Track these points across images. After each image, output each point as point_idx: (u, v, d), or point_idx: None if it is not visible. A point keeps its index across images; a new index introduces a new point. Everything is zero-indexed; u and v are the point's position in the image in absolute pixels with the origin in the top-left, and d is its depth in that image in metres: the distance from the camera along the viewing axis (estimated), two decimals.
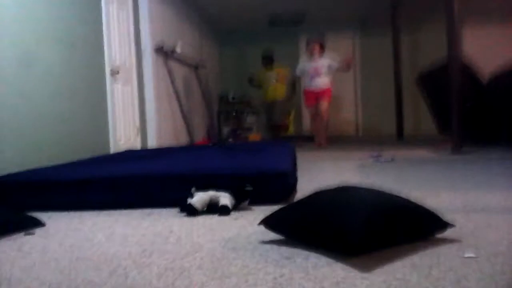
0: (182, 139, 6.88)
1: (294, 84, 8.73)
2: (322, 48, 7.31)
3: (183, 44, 7.17)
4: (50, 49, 3.81)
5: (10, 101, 3.26)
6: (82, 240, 1.96)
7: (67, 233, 2.10)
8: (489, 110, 5.93)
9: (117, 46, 5.13)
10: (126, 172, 2.80)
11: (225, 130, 9.72)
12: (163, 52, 6.17)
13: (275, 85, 8.62)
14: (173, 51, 6.44)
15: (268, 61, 8.79)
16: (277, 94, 8.66)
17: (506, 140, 5.76)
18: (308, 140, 9.05)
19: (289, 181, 2.78)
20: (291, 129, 9.91)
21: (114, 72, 4.94)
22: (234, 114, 9.93)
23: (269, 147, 4.29)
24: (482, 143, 6.09)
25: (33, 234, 2.11)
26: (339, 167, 4.47)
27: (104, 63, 4.79)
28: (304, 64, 7.41)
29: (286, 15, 9.70)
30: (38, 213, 2.43)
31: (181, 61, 7.14)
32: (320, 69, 7.13)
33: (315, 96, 7.19)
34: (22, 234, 2.10)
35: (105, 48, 4.81)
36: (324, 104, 7.12)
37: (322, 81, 7.14)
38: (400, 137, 8.52)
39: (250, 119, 9.89)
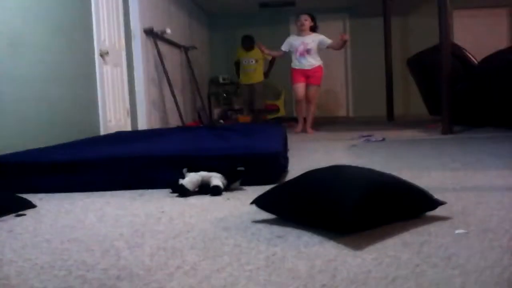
0: (173, 121, 6.85)
1: (271, 63, 8.29)
2: (313, 22, 6.47)
3: (173, 26, 7.11)
4: (38, 31, 3.76)
5: None
6: (73, 221, 1.95)
7: (58, 215, 2.09)
8: (479, 92, 5.96)
9: (106, 27, 5.07)
10: (117, 154, 2.78)
11: (216, 112, 9.70)
12: (153, 34, 6.11)
13: (255, 66, 8.26)
14: (162, 33, 6.38)
15: (248, 41, 8.35)
16: (256, 77, 8.32)
17: (496, 121, 5.79)
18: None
19: (280, 162, 2.79)
20: (282, 111, 9.92)
21: (103, 54, 4.89)
22: (224, 96, 9.91)
23: (260, 129, 4.29)
24: (473, 124, 6.13)
25: (24, 215, 2.10)
26: (330, 147, 4.48)
27: (93, 45, 4.73)
28: (293, 38, 6.55)
29: (276, 1, 9.62)
30: (28, 195, 2.41)
31: (171, 43, 7.08)
32: (310, 45, 6.34)
33: (304, 74, 6.41)
34: (13, 215, 2.09)
35: (94, 29, 4.75)
36: (312, 89, 6.41)
37: (312, 59, 6.37)
38: (391, 119, 8.56)
39: (240, 101, 9.88)
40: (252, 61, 8.23)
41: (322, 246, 1.47)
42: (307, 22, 6.39)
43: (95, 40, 4.76)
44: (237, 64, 8.52)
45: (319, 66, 6.42)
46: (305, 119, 6.55)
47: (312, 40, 6.36)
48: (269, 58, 8.04)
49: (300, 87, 6.42)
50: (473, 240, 1.47)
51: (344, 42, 6.39)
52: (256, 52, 8.16)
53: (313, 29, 6.48)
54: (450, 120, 5.38)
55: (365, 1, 9.75)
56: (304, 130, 6.48)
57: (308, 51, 6.34)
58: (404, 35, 10.35)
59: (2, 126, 3.23)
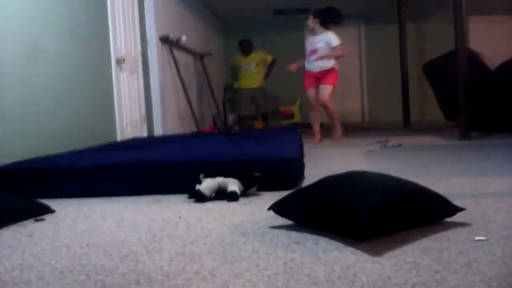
0: (188, 127, 6.88)
1: (272, 66, 8.15)
2: (319, 18, 5.83)
3: (189, 33, 7.15)
4: (56, 39, 3.81)
5: (16, 91, 3.26)
6: (92, 226, 1.97)
7: (76, 220, 2.11)
8: (497, 97, 5.90)
9: (122, 35, 5.12)
10: (134, 159, 2.80)
11: (231, 118, 9.72)
12: (169, 42, 6.15)
13: (255, 70, 8.08)
14: (178, 40, 6.42)
15: (245, 46, 8.18)
16: (257, 80, 8.12)
17: None
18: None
19: (297, 167, 2.79)
20: (298, 117, 9.92)
21: (120, 61, 4.93)
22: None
23: (276, 134, 4.29)
24: (490, 129, 6.07)
25: (43, 220, 2.12)
26: (346, 153, 4.46)
27: (110, 52, 4.78)
28: (307, 38, 6.11)
29: (290, 9, 9.63)
30: (47, 200, 2.44)
31: (186, 50, 7.12)
32: (317, 45, 5.80)
33: (314, 77, 5.87)
34: (32, 220, 2.11)
35: (111, 37, 4.80)
36: (323, 90, 5.77)
37: (321, 61, 5.79)
38: (407, 124, 8.50)
39: (263, 110, 9.90)
40: (252, 65, 8.10)
41: (340, 252, 1.46)
42: (309, 21, 5.92)
43: (111, 48, 4.81)
44: (233, 70, 8.50)
45: (331, 69, 5.80)
46: (322, 126, 6.16)
47: (321, 39, 5.81)
48: (269, 61, 8.10)
49: (310, 93, 5.96)
50: (494, 246, 1.46)
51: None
52: (255, 56, 8.12)
53: (325, 24, 5.85)
54: (468, 126, 5.34)
55: (380, 8, 9.71)
56: (318, 139, 5.91)
57: (315, 52, 5.82)
58: (419, 41, 10.30)
59: (21, 131, 3.28)
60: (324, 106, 5.84)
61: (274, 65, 8.15)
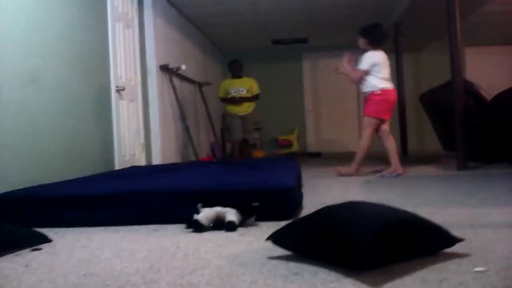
0: (187, 156, 6.89)
1: (253, 99, 7.41)
2: (366, 37, 5.12)
3: (188, 62, 7.22)
4: (56, 67, 3.84)
5: (16, 118, 3.28)
6: (89, 256, 1.96)
7: (74, 249, 2.10)
8: (493, 128, 5.93)
9: (123, 64, 5.17)
10: (132, 188, 2.80)
11: (229, 146, 9.74)
12: (168, 70, 6.21)
13: (246, 95, 7.33)
14: (178, 69, 6.48)
15: (237, 67, 7.41)
16: (249, 107, 7.42)
17: (511, 157, 5.74)
18: (312, 156, 9.08)
19: (295, 197, 2.78)
20: (296, 146, 9.95)
21: (120, 89, 4.97)
22: None
23: (274, 163, 4.30)
24: (487, 160, 6.08)
25: (40, 249, 2.10)
26: (344, 183, 4.46)
27: (109, 81, 4.82)
28: None
29: (288, 39, 9.77)
30: (44, 229, 2.42)
31: (185, 79, 7.19)
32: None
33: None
34: (29, 250, 2.10)
35: (111, 66, 4.84)
36: (364, 120, 5.19)
37: (362, 84, 5.14)
38: (405, 154, 8.52)
39: (253, 136, 9.95)
40: (243, 91, 7.34)
41: (339, 283, 1.45)
42: (359, 42, 5.19)
43: (111, 76, 4.85)
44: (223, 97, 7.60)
45: (371, 94, 5.05)
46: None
47: (360, 59, 5.16)
48: (255, 93, 7.39)
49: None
50: (494, 277, 1.45)
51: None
52: (246, 81, 7.43)
53: (375, 44, 5.11)
54: (465, 157, 5.35)
55: None
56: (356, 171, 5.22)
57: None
58: (416, 71, 10.41)
59: (20, 159, 3.28)
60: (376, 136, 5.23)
61: (256, 100, 7.53)
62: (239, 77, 7.43)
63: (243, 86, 7.36)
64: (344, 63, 5.18)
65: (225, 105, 7.55)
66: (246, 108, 7.39)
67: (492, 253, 1.73)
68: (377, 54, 5.05)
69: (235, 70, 7.41)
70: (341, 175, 5.16)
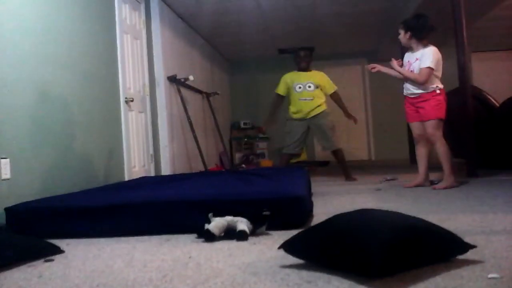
0: (195, 166, 6.90)
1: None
2: (418, 34, 4.51)
3: (196, 73, 7.26)
4: (66, 79, 3.88)
5: (27, 132, 3.31)
6: (102, 266, 1.96)
7: (86, 260, 2.11)
8: (502, 134, 5.91)
9: (131, 75, 5.20)
10: (143, 199, 2.81)
11: (237, 156, 9.78)
12: (176, 81, 6.24)
13: (314, 93, 5.81)
14: (186, 80, 6.52)
15: (305, 54, 5.92)
16: (317, 107, 5.84)
17: None
18: (321, 165, 9.06)
19: (306, 206, 2.78)
20: (304, 155, 9.93)
21: (128, 101, 5.00)
22: (245, 140, 10.01)
23: (283, 172, 4.30)
24: (497, 166, 6.05)
25: (52, 260, 2.12)
26: (354, 191, 4.45)
27: (118, 92, 4.85)
28: (405, 57, 4.78)
29: (294, 48, 9.78)
30: (56, 240, 2.44)
31: (193, 89, 7.22)
32: (414, 65, 4.54)
33: (412, 104, 4.64)
34: (41, 261, 2.11)
35: (120, 77, 4.88)
36: (426, 125, 4.49)
37: (412, 83, 4.57)
38: (414, 162, 8.48)
39: (261, 145, 10.01)
40: (310, 86, 5.83)
41: None
42: (400, 36, 4.65)
43: (120, 88, 4.88)
44: (277, 100, 6.06)
45: (431, 94, 4.45)
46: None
47: (416, 56, 4.54)
48: (330, 92, 5.91)
49: (412, 126, 4.73)
50: (507, 284, 1.44)
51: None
52: (316, 75, 5.91)
53: (421, 38, 4.53)
54: (475, 163, 5.33)
55: (382, 45, 9.85)
56: (420, 184, 4.68)
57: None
58: None
59: (32, 172, 3.30)
60: (429, 141, 4.63)
61: (340, 100, 6.06)
62: (306, 69, 5.93)
63: (309, 80, 5.84)
64: (394, 65, 4.68)
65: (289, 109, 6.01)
66: (313, 110, 5.83)
67: (505, 260, 1.72)
68: (437, 50, 4.51)
69: (302, 60, 5.92)
70: (445, 188, 4.37)
